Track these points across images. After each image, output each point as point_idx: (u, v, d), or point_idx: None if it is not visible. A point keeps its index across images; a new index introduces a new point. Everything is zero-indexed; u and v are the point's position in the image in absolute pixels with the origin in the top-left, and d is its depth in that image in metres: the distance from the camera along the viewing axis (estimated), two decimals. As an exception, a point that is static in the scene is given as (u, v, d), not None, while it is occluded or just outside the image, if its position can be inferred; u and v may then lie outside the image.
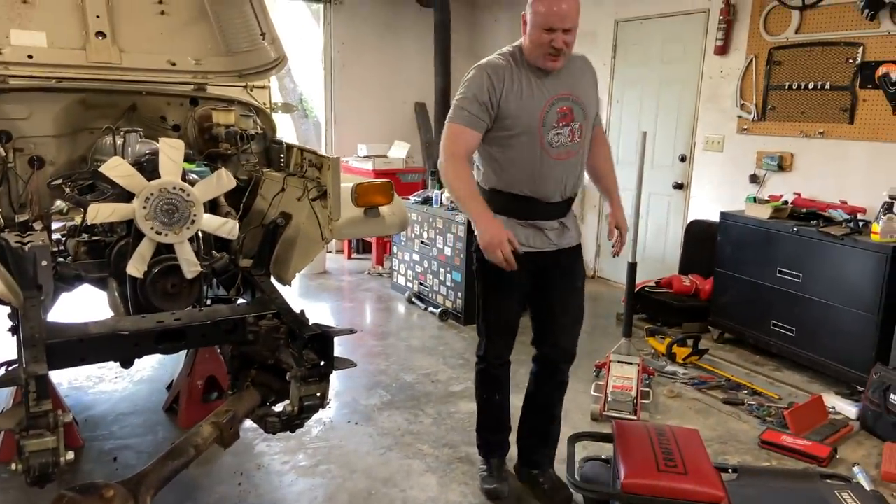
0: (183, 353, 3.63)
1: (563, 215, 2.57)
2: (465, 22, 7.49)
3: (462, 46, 7.34)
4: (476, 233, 2.36)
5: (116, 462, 2.95)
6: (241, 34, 3.19)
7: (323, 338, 2.15)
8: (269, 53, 3.18)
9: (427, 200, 5.32)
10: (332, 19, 6.82)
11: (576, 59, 2.53)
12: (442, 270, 5.11)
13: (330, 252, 6.90)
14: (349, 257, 6.97)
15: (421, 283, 5.41)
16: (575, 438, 2.59)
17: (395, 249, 5.80)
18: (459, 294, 4.94)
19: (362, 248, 7.09)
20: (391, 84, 7.23)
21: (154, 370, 3.97)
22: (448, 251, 5.02)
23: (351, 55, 6.96)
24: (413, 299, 5.42)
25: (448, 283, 5.06)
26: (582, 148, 2.52)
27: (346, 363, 2.19)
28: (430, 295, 5.29)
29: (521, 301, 2.65)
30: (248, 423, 3.26)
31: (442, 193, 5.35)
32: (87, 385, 3.73)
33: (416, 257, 5.44)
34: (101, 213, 2.20)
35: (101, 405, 3.51)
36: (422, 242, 5.34)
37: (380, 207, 2.63)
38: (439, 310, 5.07)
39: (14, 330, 2.67)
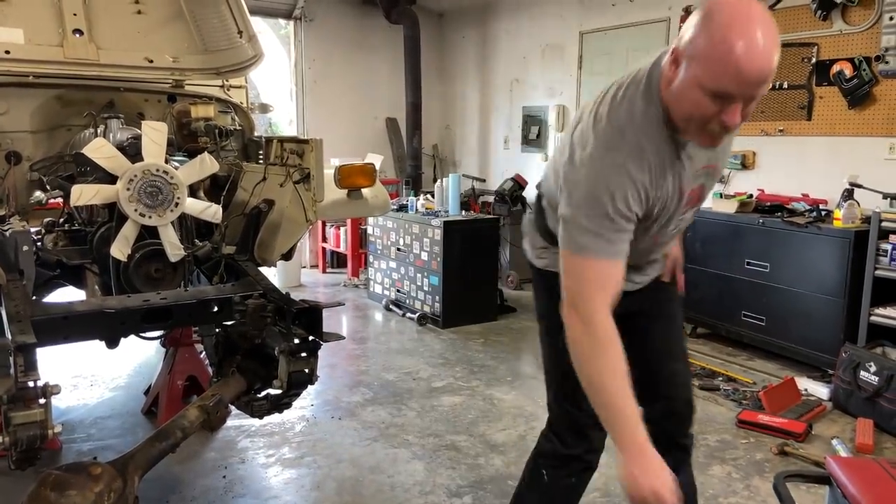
0: (160, 358, 3.61)
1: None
2: (434, 39, 7.64)
3: (432, 63, 7.48)
4: (621, 467, 1.38)
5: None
6: (219, 32, 3.22)
7: (311, 311, 2.16)
8: (247, 51, 3.22)
9: (402, 208, 5.37)
10: (302, 37, 6.90)
11: None
12: (419, 275, 5.14)
13: (304, 267, 6.88)
14: (324, 271, 6.95)
15: (398, 290, 5.42)
16: (785, 477, 1.89)
17: (371, 258, 5.81)
18: (437, 298, 4.97)
19: (337, 262, 7.09)
20: (362, 100, 7.32)
21: (130, 377, 3.91)
22: (425, 256, 5.06)
23: (322, 72, 7.03)
24: (391, 306, 5.42)
25: (426, 288, 5.09)
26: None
27: (335, 336, 2.19)
28: (407, 301, 5.31)
29: None
30: (229, 422, 3.26)
31: (417, 200, 5.41)
32: (63, 392, 3.64)
33: (393, 264, 5.46)
34: (85, 194, 2.20)
35: (78, 410, 3.44)
36: (398, 249, 5.37)
37: (362, 190, 2.66)
38: (417, 314, 5.08)
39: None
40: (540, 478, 1.95)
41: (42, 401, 1.82)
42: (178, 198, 2.34)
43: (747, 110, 1.34)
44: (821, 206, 4.16)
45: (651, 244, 1.69)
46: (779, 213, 4.25)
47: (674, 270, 1.98)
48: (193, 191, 2.59)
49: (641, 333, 1.82)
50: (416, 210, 5.28)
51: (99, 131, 2.57)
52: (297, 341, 2.19)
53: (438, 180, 5.58)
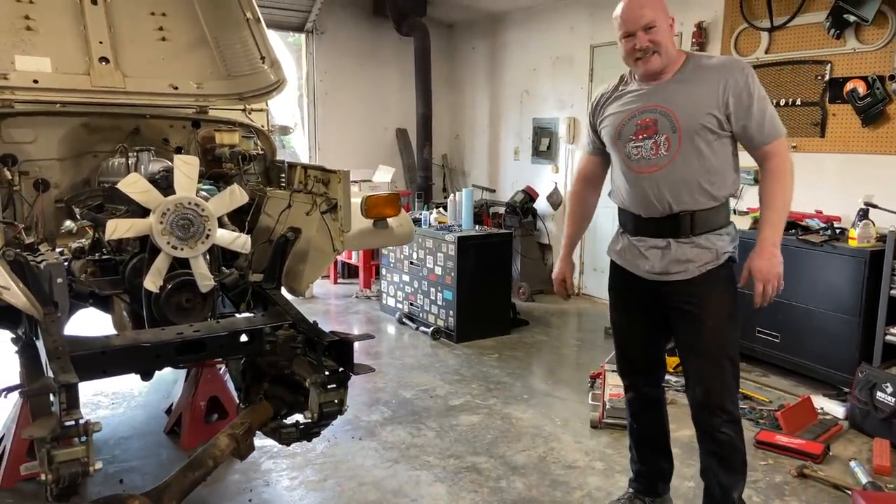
0: (181, 377, 3.64)
1: (672, 234, 2.30)
2: (444, 51, 7.68)
3: (442, 74, 7.52)
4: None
5: (123, 484, 2.92)
6: (241, 58, 3.26)
7: (342, 344, 2.20)
8: (269, 76, 3.25)
9: (416, 222, 5.40)
10: (314, 49, 6.95)
11: (704, 66, 2.28)
12: (433, 290, 5.18)
13: (316, 278, 6.90)
14: (335, 282, 6.99)
15: (411, 304, 5.46)
16: None
17: (383, 272, 5.84)
18: (451, 312, 5.00)
19: (348, 272, 7.12)
20: (373, 111, 7.37)
21: (149, 395, 3.94)
22: (439, 270, 5.09)
23: (333, 84, 7.08)
24: (404, 320, 5.46)
25: (439, 302, 5.12)
26: (678, 161, 2.26)
27: (366, 368, 2.23)
28: (420, 315, 5.34)
29: (645, 327, 2.51)
30: (253, 442, 3.28)
31: (430, 214, 5.44)
32: (84, 412, 3.66)
33: (406, 278, 5.49)
34: (119, 228, 2.24)
35: (101, 430, 3.47)
36: (411, 263, 5.40)
37: (388, 219, 2.70)
38: (431, 329, 5.11)
39: (23, 351, 2.67)
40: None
41: (83, 438, 1.86)
42: (209, 230, 2.37)
43: (647, 37, 2.19)
44: (835, 224, 4.18)
45: (632, 177, 2.34)
46: (793, 231, 4.26)
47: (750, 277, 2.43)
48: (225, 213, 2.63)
49: (672, 326, 2.42)
50: (430, 224, 5.31)
51: (130, 163, 2.61)
52: (327, 373, 2.23)
53: (451, 194, 5.61)
